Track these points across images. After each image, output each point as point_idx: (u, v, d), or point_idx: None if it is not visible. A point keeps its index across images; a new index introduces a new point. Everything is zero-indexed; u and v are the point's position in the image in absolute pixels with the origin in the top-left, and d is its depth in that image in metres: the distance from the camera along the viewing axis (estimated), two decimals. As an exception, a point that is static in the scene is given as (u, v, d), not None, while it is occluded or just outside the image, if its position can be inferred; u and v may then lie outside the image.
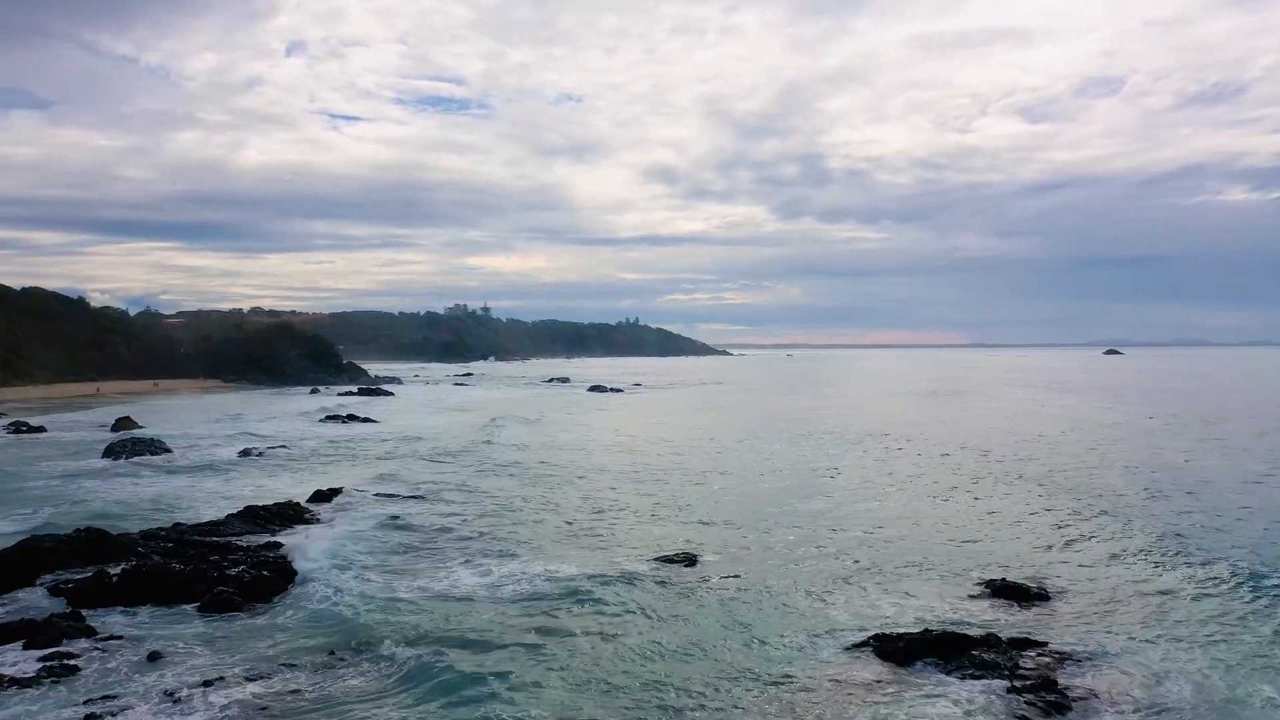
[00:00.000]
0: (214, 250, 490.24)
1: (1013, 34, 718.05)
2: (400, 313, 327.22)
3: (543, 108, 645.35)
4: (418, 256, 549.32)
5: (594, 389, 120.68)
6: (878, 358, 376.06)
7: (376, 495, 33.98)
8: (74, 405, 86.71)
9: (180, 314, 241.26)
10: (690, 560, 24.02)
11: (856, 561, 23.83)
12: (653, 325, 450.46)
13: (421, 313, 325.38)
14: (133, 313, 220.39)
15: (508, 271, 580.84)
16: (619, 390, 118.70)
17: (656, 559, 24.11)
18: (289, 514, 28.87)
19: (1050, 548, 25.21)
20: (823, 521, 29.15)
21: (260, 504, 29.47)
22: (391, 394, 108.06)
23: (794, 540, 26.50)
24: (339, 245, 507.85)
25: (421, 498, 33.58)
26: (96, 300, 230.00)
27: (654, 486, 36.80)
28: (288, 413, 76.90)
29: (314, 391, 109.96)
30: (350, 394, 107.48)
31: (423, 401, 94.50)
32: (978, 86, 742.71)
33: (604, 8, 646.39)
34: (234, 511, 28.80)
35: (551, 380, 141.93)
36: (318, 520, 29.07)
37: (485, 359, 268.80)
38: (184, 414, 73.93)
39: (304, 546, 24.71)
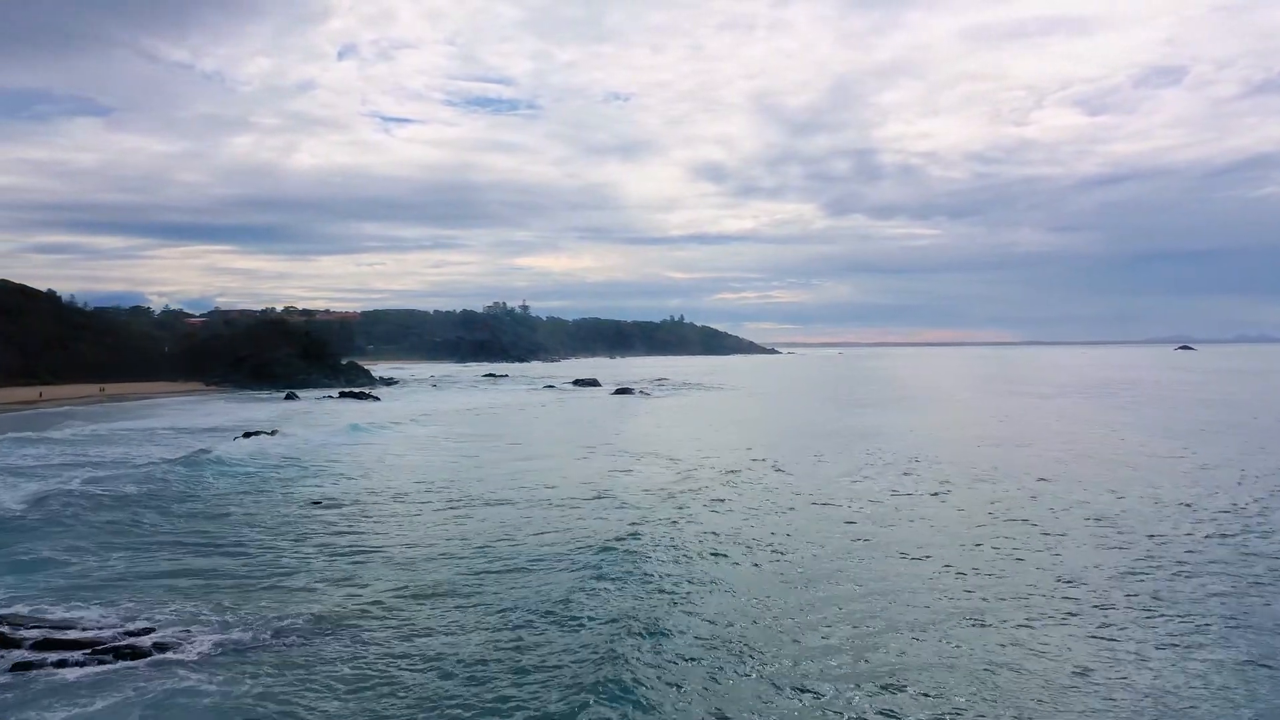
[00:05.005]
0: (267, 253, 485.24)
1: (1070, 23, 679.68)
2: (435, 310, 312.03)
3: (591, 106, 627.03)
4: (466, 257, 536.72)
5: (620, 391, 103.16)
6: (933, 356, 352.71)
7: None
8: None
9: (208, 314, 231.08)
10: None
11: None
12: (698, 324, 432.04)
13: (458, 311, 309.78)
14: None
15: (556, 271, 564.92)
16: (647, 395, 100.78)
17: None
18: None
19: None
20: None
21: None
22: (378, 399, 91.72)
23: None
24: (390, 247, 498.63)
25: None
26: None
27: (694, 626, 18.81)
28: (218, 425, 60.27)
29: (289, 396, 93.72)
30: (330, 399, 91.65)
31: (403, 409, 77.41)
32: (1034, 78, 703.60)
33: (652, 4, 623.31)
34: None
35: (578, 382, 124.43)
36: None
37: (522, 359, 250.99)
38: (72, 427, 57.45)
39: None
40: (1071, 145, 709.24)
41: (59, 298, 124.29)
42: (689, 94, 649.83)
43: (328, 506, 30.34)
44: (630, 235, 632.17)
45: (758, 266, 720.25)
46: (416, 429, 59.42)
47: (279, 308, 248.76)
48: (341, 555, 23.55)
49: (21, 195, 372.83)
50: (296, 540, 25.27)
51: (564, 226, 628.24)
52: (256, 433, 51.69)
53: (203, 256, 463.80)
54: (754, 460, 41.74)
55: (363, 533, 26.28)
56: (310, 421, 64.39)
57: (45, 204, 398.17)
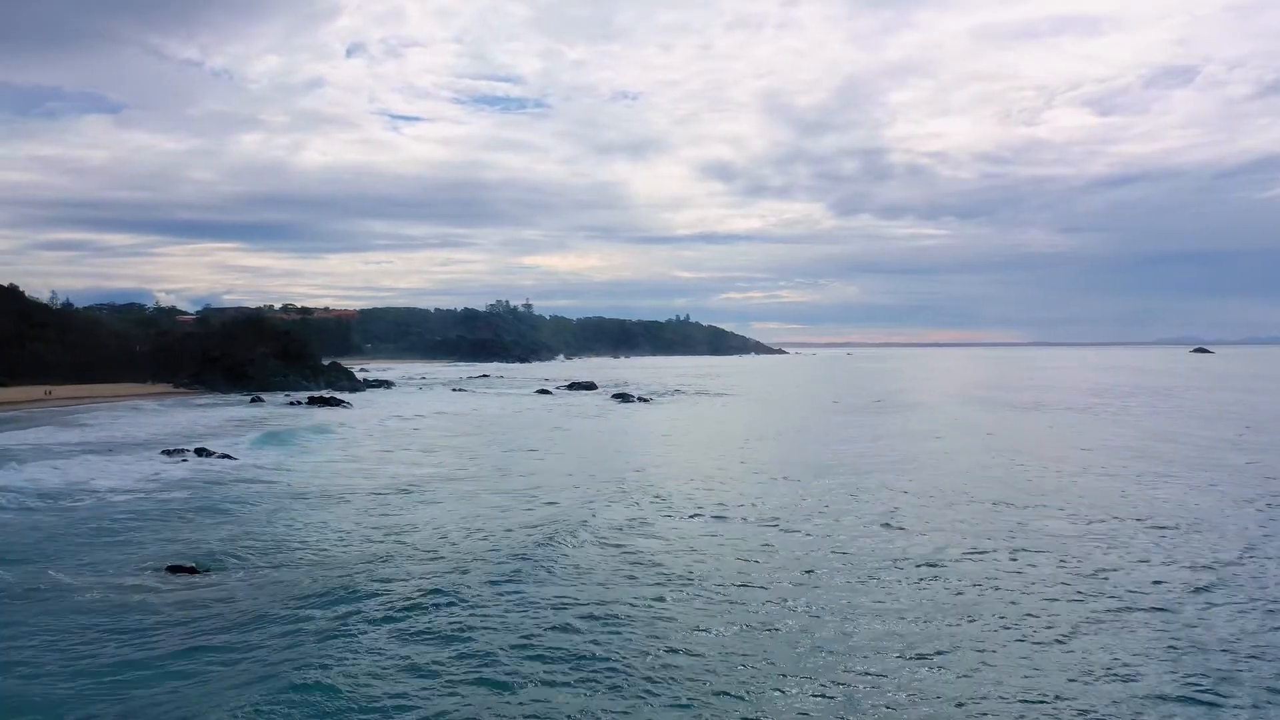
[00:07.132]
0: (275, 251, 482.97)
1: (1081, 23, 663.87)
2: (436, 309, 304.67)
3: (599, 105, 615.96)
4: (474, 256, 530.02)
5: (617, 397, 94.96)
6: (943, 357, 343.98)
7: None
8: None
9: (202, 311, 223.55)
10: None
11: None
12: (704, 323, 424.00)
13: (459, 309, 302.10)
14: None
15: (563, 270, 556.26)
16: (647, 401, 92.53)
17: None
18: None
19: None
20: None
21: None
22: (349, 405, 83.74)
23: None
24: (398, 245, 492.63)
25: None
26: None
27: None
28: (140, 439, 52.36)
29: (255, 400, 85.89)
30: (298, 404, 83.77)
31: (368, 417, 69.43)
32: (1044, 78, 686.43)
33: (661, 3, 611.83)
34: None
35: (573, 385, 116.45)
36: None
37: (524, 360, 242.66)
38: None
39: None
40: (1081, 146, 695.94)
41: (22, 293, 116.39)
42: (698, 93, 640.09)
43: (187, 574, 22.18)
44: (637, 234, 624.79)
45: (765, 266, 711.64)
46: (370, 442, 51.44)
47: (278, 305, 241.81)
48: (181, 674, 15.35)
49: (31, 192, 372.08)
50: (117, 652, 17.06)
51: (572, 225, 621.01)
52: (174, 450, 43.71)
53: (211, 254, 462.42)
54: (735, 498, 33.55)
55: (222, 622, 18.11)
56: (260, 431, 56.36)
57: (55, 201, 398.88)
